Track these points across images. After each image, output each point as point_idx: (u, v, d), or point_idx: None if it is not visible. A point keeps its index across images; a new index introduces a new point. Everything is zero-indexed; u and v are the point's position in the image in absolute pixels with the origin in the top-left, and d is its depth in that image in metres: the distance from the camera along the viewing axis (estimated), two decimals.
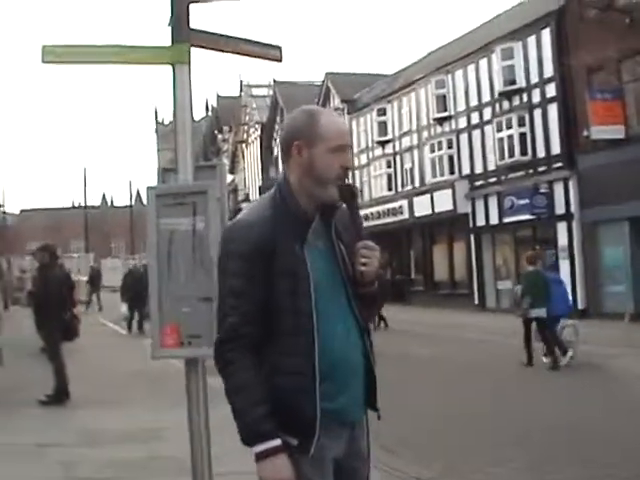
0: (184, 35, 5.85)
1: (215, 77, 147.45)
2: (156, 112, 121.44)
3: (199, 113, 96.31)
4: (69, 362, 13.84)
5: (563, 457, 9.48)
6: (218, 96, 77.72)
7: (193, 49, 5.88)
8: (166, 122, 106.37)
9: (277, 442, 3.19)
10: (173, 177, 5.95)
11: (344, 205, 3.43)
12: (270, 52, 6.36)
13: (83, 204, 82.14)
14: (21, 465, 8.84)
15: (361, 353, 3.41)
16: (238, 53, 6.21)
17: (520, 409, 12.91)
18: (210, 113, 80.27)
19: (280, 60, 6.27)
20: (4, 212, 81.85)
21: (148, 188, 5.91)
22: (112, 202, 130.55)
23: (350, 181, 3.49)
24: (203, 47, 6.01)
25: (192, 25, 5.90)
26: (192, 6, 5.93)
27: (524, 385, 15.50)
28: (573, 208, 30.55)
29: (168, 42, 5.82)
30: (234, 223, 3.41)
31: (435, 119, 39.73)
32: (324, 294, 3.30)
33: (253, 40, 6.33)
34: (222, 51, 6.17)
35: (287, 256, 3.26)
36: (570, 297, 21.08)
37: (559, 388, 14.95)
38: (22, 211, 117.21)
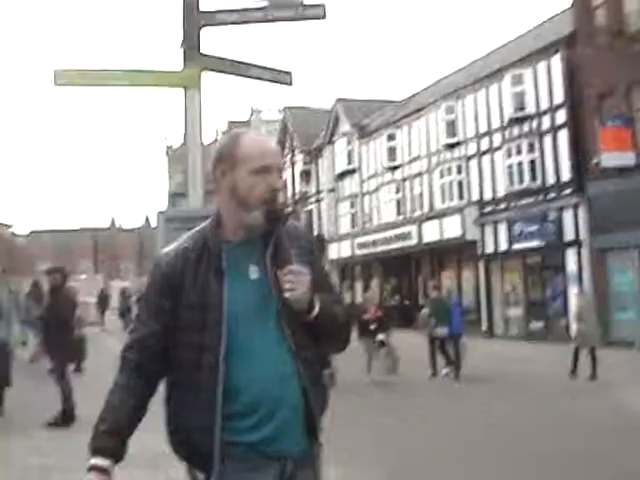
0: (195, 59, 5.86)
1: (225, 102, 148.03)
2: (166, 136, 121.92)
3: (209, 138, 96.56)
4: (78, 383, 13.81)
5: None
6: (229, 122, 77.97)
7: (204, 73, 5.89)
8: (175, 147, 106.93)
9: (97, 460, 3.18)
10: (184, 201, 5.98)
11: (273, 229, 3.29)
12: (280, 77, 6.37)
13: (92, 226, 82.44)
14: None
15: (294, 385, 3.25)
16: (249, 77, 6.22)
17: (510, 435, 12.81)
18: (220, 138, 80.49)
19: (290, 84, 6.27)
20: (13, 233, 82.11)
21: (158, 212, 5.93)
22: (121, 225, 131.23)
23: (280, 204, 3.38)
24: (214, 71, 6.02)
25: (203, 49, 5.91)
26: (204, 30, 5.94)
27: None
28: (582, 235, 30.47)
29: (180, 66, 5.83)
30: (158, 253, 3.45)
31: (445, 145, 39.75)
32: (246, 326, 3.21)
33: (264, 65, 6.34)
34: (233, 75, 6.19)
35: (197, 288, 3.22)
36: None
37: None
38: (32, 232, 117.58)
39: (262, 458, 3.20)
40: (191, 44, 5.89)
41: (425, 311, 23.05)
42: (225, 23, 7.44)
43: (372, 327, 20.59)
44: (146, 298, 3.38)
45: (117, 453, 3.23)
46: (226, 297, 3.18)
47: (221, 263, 3.22)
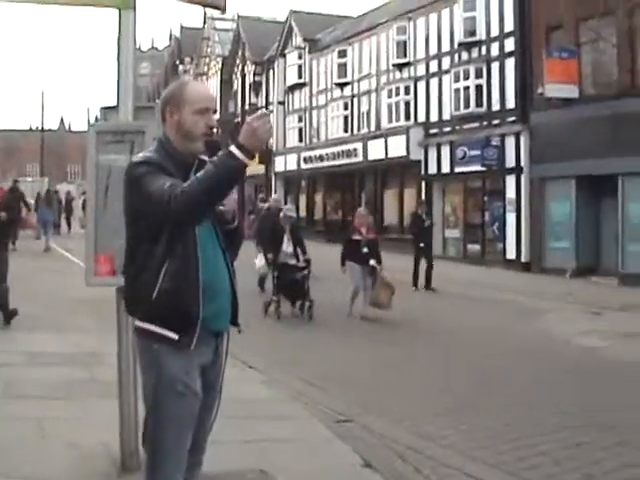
0: None
1: (180, 8, 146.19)
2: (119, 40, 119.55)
3: (163, 42, 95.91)
4: (19, 285, 14.08)
5: (480, 402, 9.82)
6: (182, 27, 77.09)
7: None
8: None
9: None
10: (115, 116, 6.28)
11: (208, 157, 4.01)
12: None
13: (40, 127, 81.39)
14: None
15: (226, 277, 4.22)
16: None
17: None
18: (173, 43, 79.73)
19: (223, 10, 6.50)
20: None
21: (89, 125, 6.21)
22: (70, 126, 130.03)
23: (215, 138, 4.26)
24: None
25: None
26: None
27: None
28: (523, 162, 30.86)
29: None
30: (134, 161, 4.08)
31: (394, 65, 39.79)
32: (202, 229, 4.05)
33: None
34: None
35: None
36: None
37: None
38: None
39: (207, 332, 4.09)
40: None
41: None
42: None
43: (364, 250, 17.46)
44: (149, 178, 3.91)
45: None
46: None
47: (190, 173, 4.00)
